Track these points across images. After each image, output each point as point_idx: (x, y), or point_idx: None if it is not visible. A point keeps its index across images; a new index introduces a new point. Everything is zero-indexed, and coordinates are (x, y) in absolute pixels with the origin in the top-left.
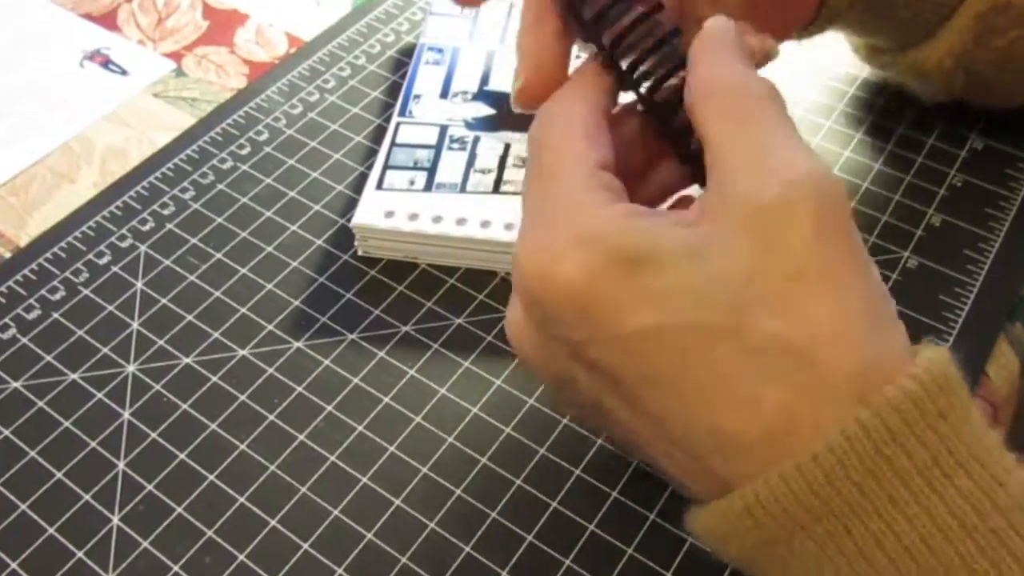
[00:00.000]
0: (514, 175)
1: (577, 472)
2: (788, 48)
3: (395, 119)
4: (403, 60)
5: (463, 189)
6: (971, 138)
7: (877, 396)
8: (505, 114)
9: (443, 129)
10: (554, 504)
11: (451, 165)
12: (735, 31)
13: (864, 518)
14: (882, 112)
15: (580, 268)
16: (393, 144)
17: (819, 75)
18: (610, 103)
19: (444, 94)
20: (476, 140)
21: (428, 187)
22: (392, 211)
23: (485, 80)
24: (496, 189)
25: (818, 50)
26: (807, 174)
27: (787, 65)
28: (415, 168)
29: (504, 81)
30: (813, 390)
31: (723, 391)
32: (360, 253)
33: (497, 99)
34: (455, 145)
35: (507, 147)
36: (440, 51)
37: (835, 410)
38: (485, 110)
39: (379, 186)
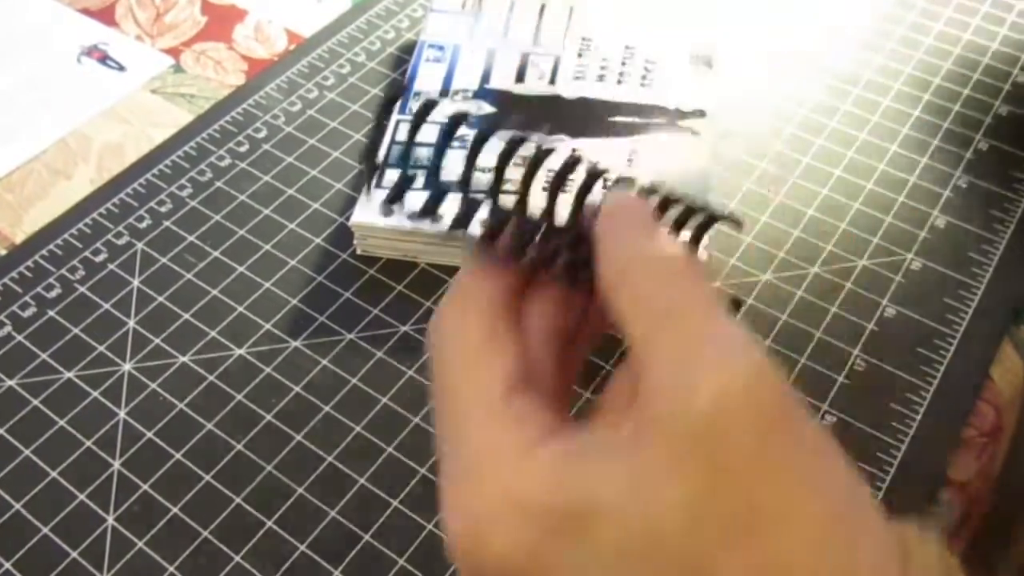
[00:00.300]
0: (515, 174)
1: None
2: (793, 47)
3: (395, 117)
4: (404, 57)
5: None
6: (976, 139)
7: None
8: (507, 112)
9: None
10: None
11: (452, 164)
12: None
13: None
14: (886, 113)
15: (515, 541)
16: (393, 142)
17: (824, 75)
18: (511, 288)
19: (445, 92)
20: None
21: (428, 186)
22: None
23: (486, 78)
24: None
25: (823, 50)
26: (742, 375)
27: (791, 65)
28: (415, 166)
29: (505, 78)
30: None
31: None
32: (359, 252)
33: (498, 97)
34: (455, 143)
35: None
36: (441, 48)
37: None
38: (486, 108)
39: (378, 184)
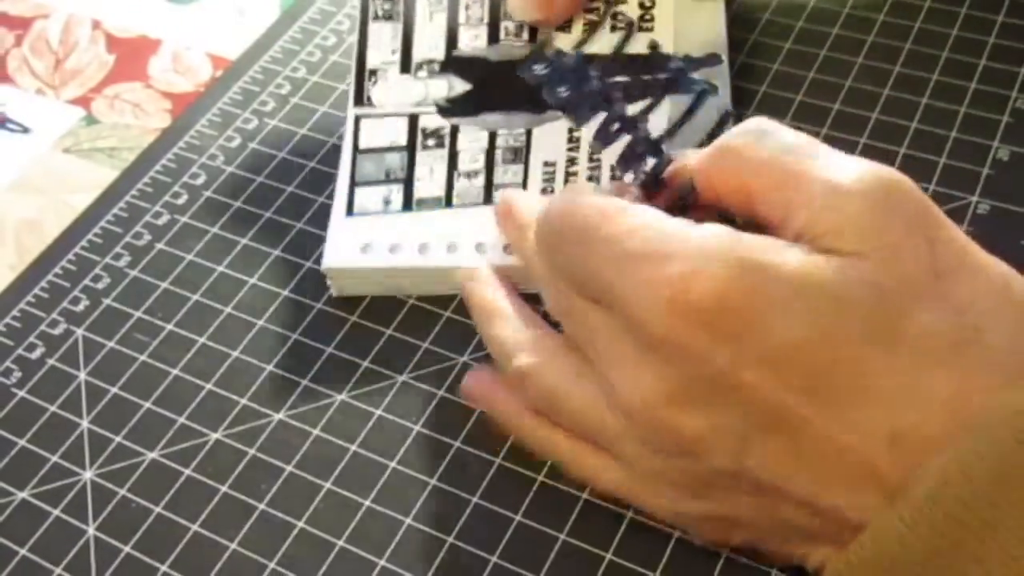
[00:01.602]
0: (504, 175)
1: (628, 514)
2: None
3: (351, 111)
4: (349, 64)
5: (448, 202)
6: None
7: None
8: (483, 88)
9: (413, 120)
10: (608, 556)
11: (430, 171)
12: None
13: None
14: (919, 38)
15: (717, 278)
16: (356, 151)
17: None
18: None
19: (406, 66)
20: (454, 132)
21: (407, 205)
22: (368, 243)
23: (452, 40)
24: (487, 199)
25: None
26: (881, 179)
27: None
28: (388, 181)
29: (476, 38)
30: (985, 363)
31: (895, 392)
32: (335, 295)
33: (472, 67)
34: (430, 142)
35: (492, 137)
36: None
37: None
38: (459, 85)
39: (349, 211)
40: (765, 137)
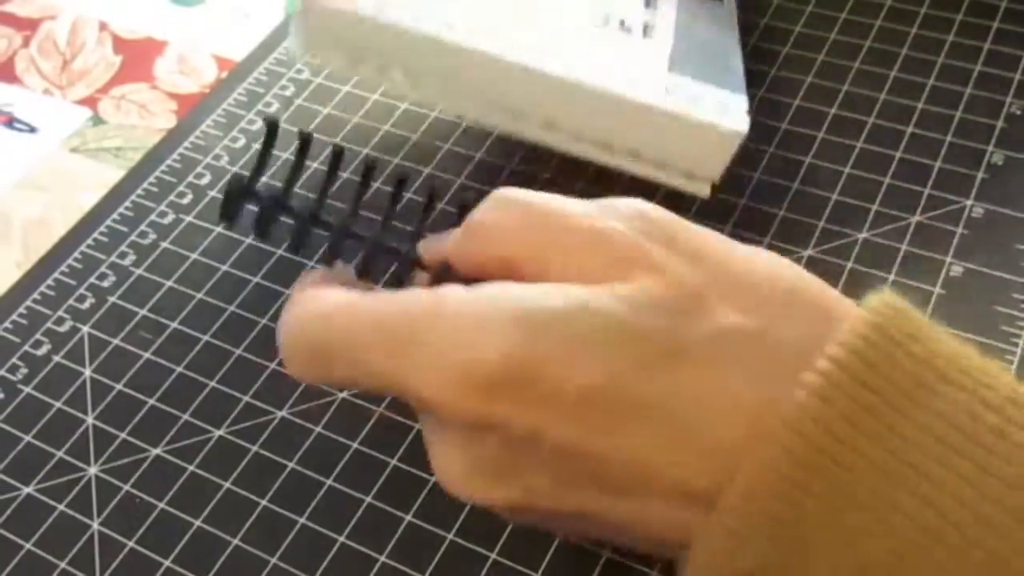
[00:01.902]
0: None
1: None
2: None
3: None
4: None
5: None
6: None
7: (842, 331)
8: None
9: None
10: (606, 554)
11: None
12: None
13: (866, 454)
14: (915, 44)
15: (500, 351)
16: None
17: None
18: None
19: None
20: None
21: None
22: None
23: None
24: None
25: None
26: (631, 210)
27: None
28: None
29: None
30: (771, 363)
31: (693, 410)
32: (301, 64)
33: None
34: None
35: None
36: None
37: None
38: None
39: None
40: (510, 206)
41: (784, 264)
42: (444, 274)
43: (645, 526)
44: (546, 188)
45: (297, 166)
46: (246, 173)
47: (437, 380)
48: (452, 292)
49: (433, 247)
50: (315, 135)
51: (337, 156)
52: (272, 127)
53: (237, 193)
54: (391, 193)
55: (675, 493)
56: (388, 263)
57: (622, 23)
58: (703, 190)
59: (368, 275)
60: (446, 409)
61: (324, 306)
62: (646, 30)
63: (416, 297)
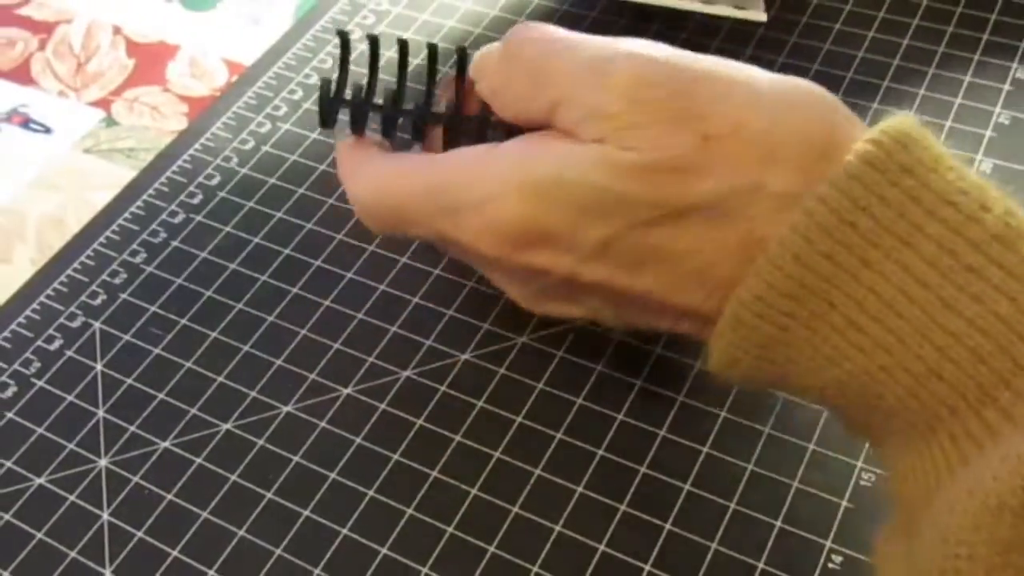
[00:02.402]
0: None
1: (622, 508)
2: None
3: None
4: (360, 72)
5: None
6: (1014, 69)
7: (835, 169)
8: None
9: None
10: (601, 547)
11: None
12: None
13: (843, 287)
14: (906, 55)
15: (515, 215)
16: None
17: None
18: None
19: None
20: None
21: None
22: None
23: None
24: None
25: None
26: (639, 56)
27: None
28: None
29: None
30: (769, 209)
31: (697, 254)
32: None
33: None
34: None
35: None
36: None
37: (790, 216)
38: None
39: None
40: (527, 37)
41: (793, 97)
42: (456, 122)
43: (675, 328)
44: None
45: (372, 69)
46: (331, 79)
47: (481, 239)
48: (477, 159)
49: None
50: (321, 137)
51: (403, 49)
52: (344, 39)
53: (327, 98)
54: (427, 66)
55: (686, 314)
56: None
57: None
58: (759, 15)
59: (390, 136)
60: (498, 261)
61: (380, 178)
62: None
63: (452, 164)
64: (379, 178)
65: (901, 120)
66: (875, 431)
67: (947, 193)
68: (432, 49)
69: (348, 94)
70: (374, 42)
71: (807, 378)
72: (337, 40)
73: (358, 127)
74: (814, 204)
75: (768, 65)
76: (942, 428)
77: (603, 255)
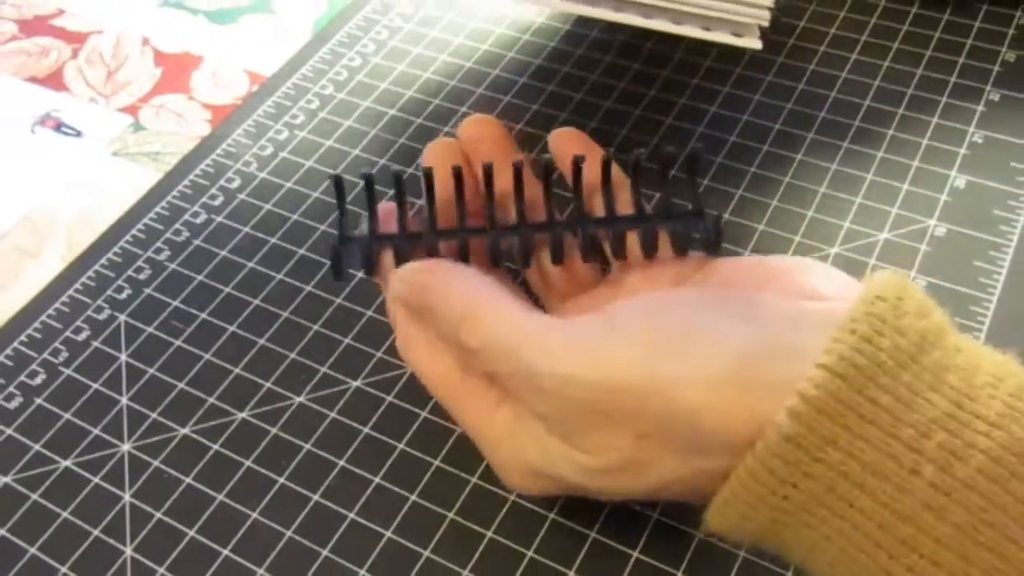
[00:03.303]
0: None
1: None
2: None
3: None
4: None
5: None
6: (987, 90)
7: (759, 445)
8: None
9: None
10: (592, 534)
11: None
12: None
13: (788, 548)
14: (887, 75)
15: (533, 489)
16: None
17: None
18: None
19: None
20: None
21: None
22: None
23: None
24: None
25: None
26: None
27: None
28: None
29: None
30: (719, 478)
31: (681, 489)
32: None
33: None
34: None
35: None
36: None
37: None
38: None
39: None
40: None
41: (711, 384)
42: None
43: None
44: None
45: (371, 202)
46: (334, 232)
47: (500, 476)
48: (490, 430)
49: None
50: (336, 145)
51: (369, 183)
52: (339, 182)
53: (339, 254)
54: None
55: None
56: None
57: None
58: (755, 43)
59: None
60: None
61: (425, 374)
62: None
63: (476, 424)
64: (416, 359)
65: (828, 376)
66: None
67: (874, 462)
68: (369, 179)
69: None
70: (369, 180)
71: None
72: (349, 54)
73: (371, 272)
74: (745, 476)
75: (755, 84)
76: None
77: (608, 494)
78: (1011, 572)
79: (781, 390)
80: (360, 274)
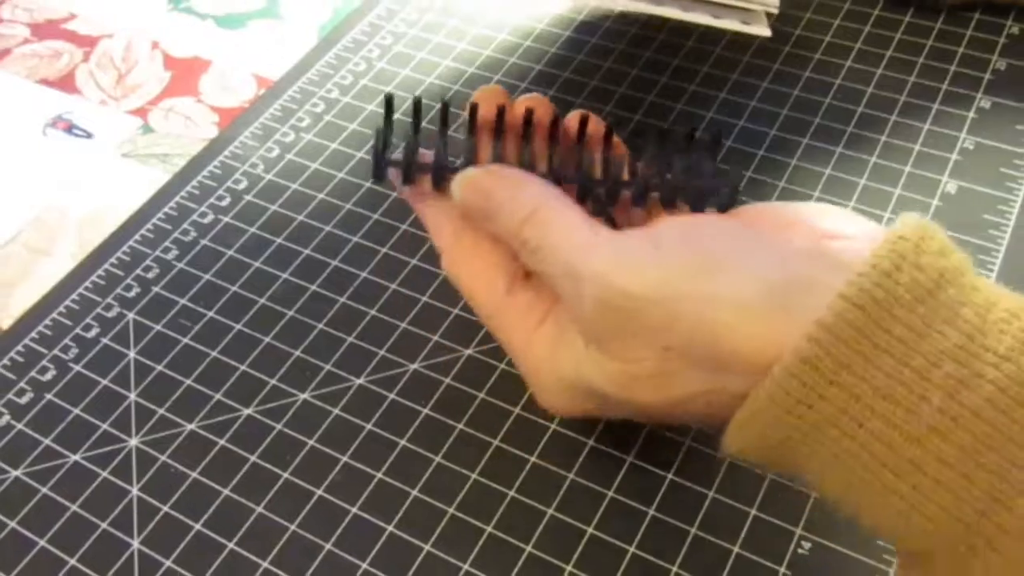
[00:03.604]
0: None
1: (609, 494)
2: None
3: None
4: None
5: None
6: (978, 98)
7: (778, 368)
8: None
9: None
10: (589, 530)
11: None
12: None
13: (799, 465)
14: (881, 82)
15: (565, 409)
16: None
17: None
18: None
19: None
20: None
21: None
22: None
23: None
24: None
25: None
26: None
27: None
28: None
29: None
30: (737, 399)
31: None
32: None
33: None
34: None
35: None
36: None
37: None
38: None
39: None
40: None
41: (741, 308)
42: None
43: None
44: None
45: (416, 128)
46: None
47: (537, 397)
48: (530, 348)
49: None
50: (341, 147)
51: (444, 108)
52: (389, 101)
53: (380, 152)
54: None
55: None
56: None
57: None
58: (764, 30)
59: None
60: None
61: (463, 276)
62: None
63: (517, 342)
64: (463, 275)
65: (837, 318)
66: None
67: (885, 387)
68: (473, 109)
69: (398, 150)
70: (417, 104)
71: (816, 458)
72: (354, 59)
73: (409, 180)
74: (763, 396)
75: (762, 72)
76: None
77: (639, 413)
78: (1011, 491)
79: (803, 317)
80: (398, 188)
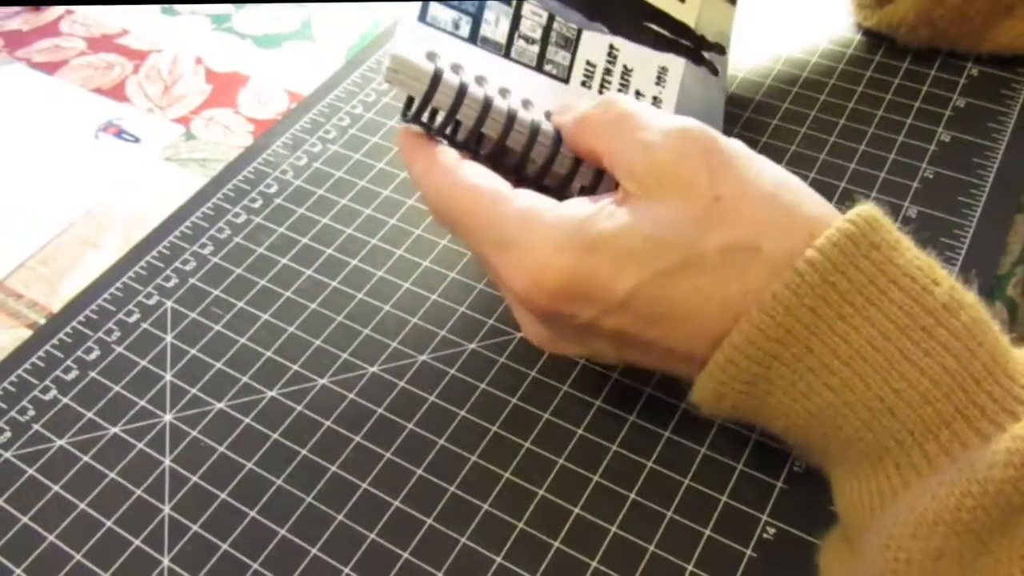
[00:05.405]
0: (554, 55)
1: (595, 479)
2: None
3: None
4: (399, 106)
5: (507, 54)
6: (939, 132)
7: (820, 239)
8: None
9: None
10: (576, 510)
11: (496, 20)
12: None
13: (820, 335)
14: (861, 98)
15: (563, 268)
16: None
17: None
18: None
19: None
20: (520, 1)
21: (472, 38)
22: (434, 53)
23: None
24: (539, 67)
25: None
26: (680, 131)
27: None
28: (461, 10)
29: None
30: (764, 271)
31: (704, 308)
32: (384, 82)
33: None
34: None
35: (551, 19)
36: None
37: (782, 276)
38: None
39: (422, 18)
40: (611, 107)
41: (788, 183)
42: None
43: (668, 368)
44: None
45: (432, 88)
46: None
47: (518, 278)
48: (533, 208)
49: (556, 119)
50: (363, 158)
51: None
52: (437, 76)
53: (408, 109)
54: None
55: (682, 359)
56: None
57: (637, 93)
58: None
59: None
60: (527, 303)
61: (448, 184)
62: (655, 101)
63: (515, 205)
64: (447, 183)
65: (870, 208)
66: (830, 457)
67: (906, 268)
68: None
69: (430, 118)
70: (436, 76)
71: (780, 409)
72: (377, 79)
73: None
74: (804, 266)
75: (744, 103)
76: (889, 458)
77: (625, 307)
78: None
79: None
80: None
